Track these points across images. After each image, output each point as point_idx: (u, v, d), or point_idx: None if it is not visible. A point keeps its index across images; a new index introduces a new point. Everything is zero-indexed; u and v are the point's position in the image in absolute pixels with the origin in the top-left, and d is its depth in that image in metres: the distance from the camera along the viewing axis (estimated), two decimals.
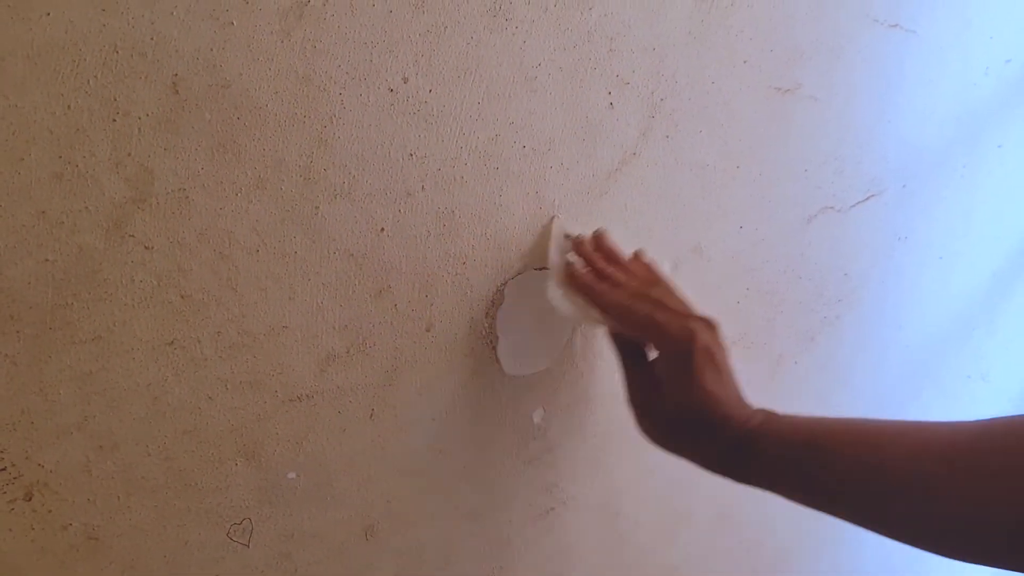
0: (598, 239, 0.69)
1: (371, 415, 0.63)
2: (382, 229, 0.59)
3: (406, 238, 0.60)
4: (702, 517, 0.93)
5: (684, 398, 0.60)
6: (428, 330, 0.64)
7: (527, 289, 0.68)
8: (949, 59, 0.93)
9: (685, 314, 0.62)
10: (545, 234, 0.69)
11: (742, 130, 0.76)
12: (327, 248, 0.57)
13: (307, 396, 0.60)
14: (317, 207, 0.56)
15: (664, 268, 0.72)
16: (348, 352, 0.60)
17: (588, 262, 0.68)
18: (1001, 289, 1.22)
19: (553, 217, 0.68)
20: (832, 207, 0.88)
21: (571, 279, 0.67)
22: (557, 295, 0.68)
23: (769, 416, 0.59)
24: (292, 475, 0.61)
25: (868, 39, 0.83)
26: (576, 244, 0.69)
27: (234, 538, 0.60)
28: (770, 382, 0.94)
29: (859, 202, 0.91)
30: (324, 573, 0.66)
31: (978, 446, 0.48)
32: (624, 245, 0.72)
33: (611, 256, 0.69)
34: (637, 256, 0.70)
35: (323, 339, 0.59)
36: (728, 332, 0.85)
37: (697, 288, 0.80)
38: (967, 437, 0.49)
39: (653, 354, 0.65)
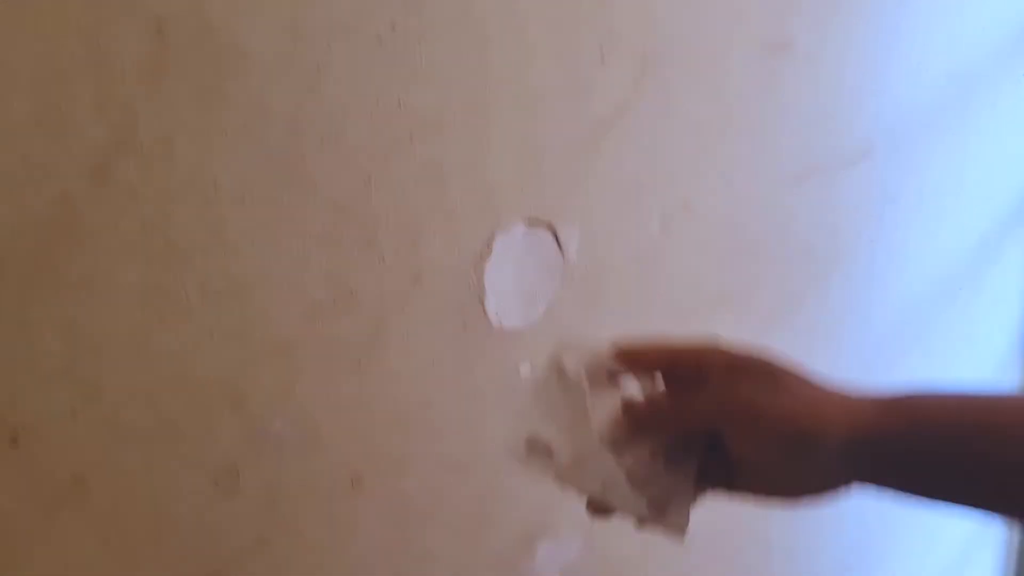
0: (628, 351, 0.53)
1: (357, 365, 0.64)
2: (369, 179, 0.58)
3: (393, 189, 0.60)
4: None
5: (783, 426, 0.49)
6: (416, 282, 0.64)
7: (517, 245, 0.68)
8: (944, 16, 0.92)
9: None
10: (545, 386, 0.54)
11: (733, 86, 0.76)
12: (313, 198, 0.57)
13: (293, 345, 0.60)
14: (304, 156, 0.55)
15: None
16: (335, 302, 0.60)
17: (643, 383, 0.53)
18: (988, 250, 1.23)
19: (556, 349, 0.52)
20: (822, 166, 0.88)
21: (633, 422, 0.51)
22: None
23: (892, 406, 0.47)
24: (278, 424, 0.61)
25: None
26: (626, 355, 0.52)
27: (220, 486, 0.61)
28: (758, 341, 0.94)
29: (850, 162, 0.91)
30: (310, 521, 0.66)
31: None
32: (615, 199, 0.72)
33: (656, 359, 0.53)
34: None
35: (309, 289, 0.59)
36: (716, 290, 0.86)
37: (686, 245, 0.80)
38: None
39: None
